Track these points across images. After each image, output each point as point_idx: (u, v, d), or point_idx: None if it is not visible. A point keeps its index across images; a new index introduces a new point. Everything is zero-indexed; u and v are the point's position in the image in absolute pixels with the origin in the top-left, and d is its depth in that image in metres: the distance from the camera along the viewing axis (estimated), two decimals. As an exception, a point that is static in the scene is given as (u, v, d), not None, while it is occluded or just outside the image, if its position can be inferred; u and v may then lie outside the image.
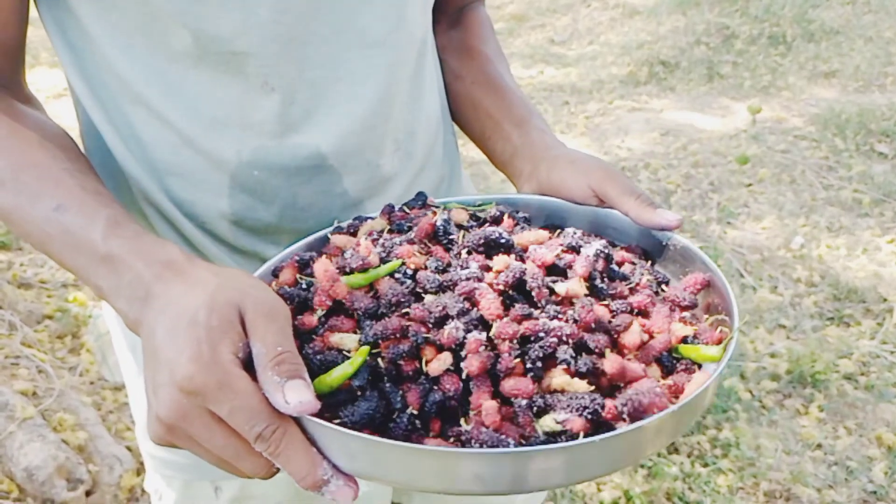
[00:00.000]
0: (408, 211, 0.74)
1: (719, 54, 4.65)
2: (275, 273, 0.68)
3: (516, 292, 0.60)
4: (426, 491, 0.53)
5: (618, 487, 1.90)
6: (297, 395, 0.50)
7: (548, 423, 0.52)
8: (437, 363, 0.55)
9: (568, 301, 0.60)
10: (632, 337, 0.59)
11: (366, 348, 0.57)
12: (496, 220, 0.72)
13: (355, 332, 0.60)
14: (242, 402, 0.50)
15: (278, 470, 0.53)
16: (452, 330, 0.55)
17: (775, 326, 2.46)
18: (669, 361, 0.60)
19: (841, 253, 2.81)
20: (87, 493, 1.74)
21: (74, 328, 2.33)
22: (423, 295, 0.61)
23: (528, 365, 0.55)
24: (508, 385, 0.54)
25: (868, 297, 2.56)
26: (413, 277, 0.62)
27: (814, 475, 1.94)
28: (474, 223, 0.72)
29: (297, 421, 0.52)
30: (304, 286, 0.64)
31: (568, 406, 0.52)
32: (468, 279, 0.60)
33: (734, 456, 1.99)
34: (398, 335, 0.57)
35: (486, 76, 0.90)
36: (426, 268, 0.63)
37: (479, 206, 0.77)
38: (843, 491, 1.90)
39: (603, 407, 0.52)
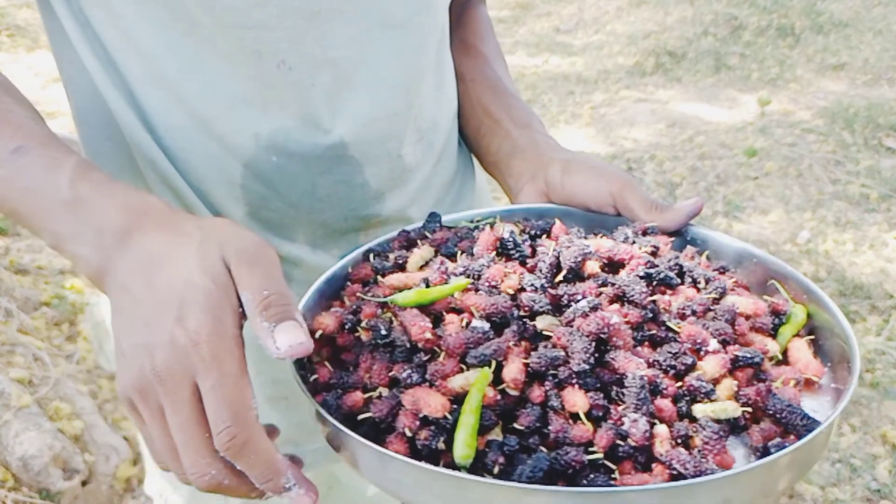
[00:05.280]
0: (429, 235, 0.70)
1: (727, 45, 4.60)
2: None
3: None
4: None
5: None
6: (288, 338, 0.48)
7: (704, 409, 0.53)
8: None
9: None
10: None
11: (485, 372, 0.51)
12: (546, 231, 0.70)
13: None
14: (226, 383, 0.48)
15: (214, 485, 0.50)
16: (634, 427, 0.49)
17: (780, 322, 2.44)
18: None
19: (847, 248, 2.78)
20: (83, 483, 1.72)
21: (71, 315, 2.31)
22: (531, 317, 0.56)
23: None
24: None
25: (874, 294, 2.53)
26: (514, 298, 0.58)
27: (817, 473, 1.92)
28: (526, 237, 0.69)
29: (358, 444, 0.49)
30: (383, 331, 0.57)
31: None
32: (590, 313, 0.54)
33: (737, 453, 1.98)
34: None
35: (485, 77, 0.88)
36: (523, 289, 0.59)
37: (482, 220, 0.74)
38: (847, 489, 1.88)
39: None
